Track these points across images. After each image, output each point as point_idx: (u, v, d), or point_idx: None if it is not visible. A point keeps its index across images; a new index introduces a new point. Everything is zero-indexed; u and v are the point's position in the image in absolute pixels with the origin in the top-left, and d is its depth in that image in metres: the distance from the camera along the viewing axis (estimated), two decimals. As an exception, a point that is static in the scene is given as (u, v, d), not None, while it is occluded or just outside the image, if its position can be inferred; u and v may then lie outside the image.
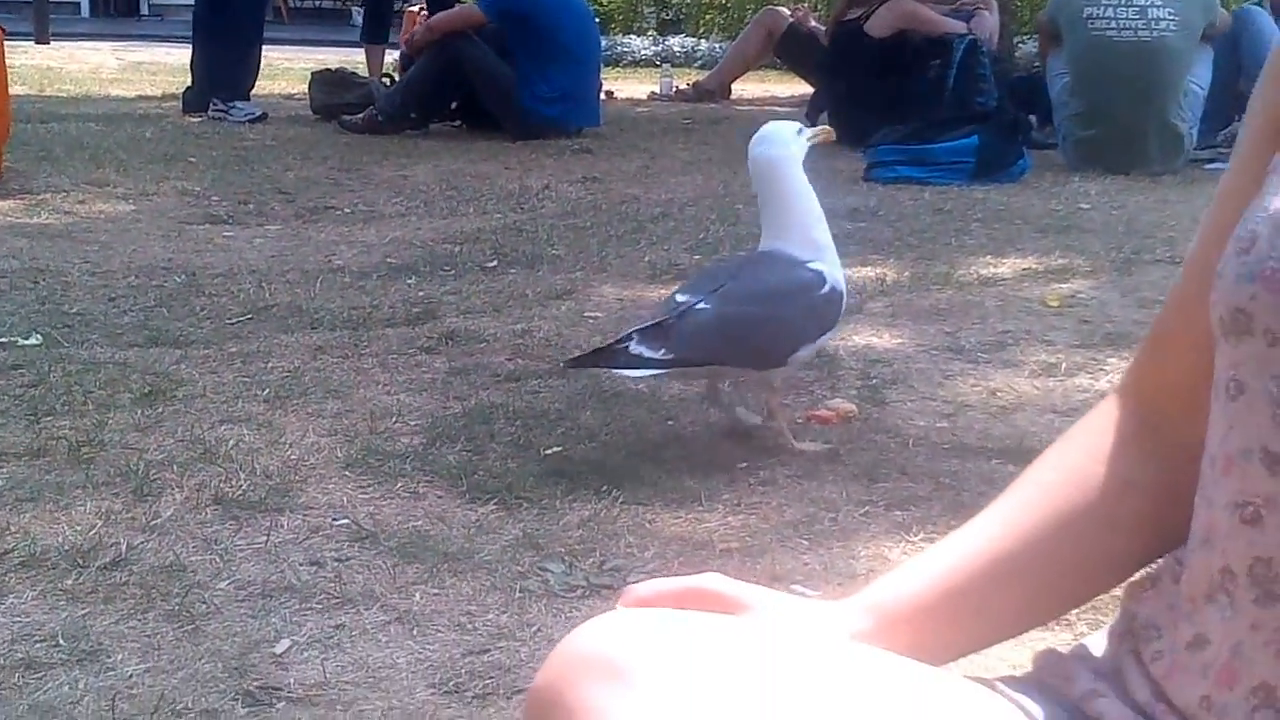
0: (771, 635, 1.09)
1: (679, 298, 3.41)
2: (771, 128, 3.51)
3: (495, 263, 5.37)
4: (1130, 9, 7.83)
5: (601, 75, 9.94)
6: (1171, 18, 7.77)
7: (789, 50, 11.55)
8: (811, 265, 3.42)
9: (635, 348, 3.27)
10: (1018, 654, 1.57)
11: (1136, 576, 1.22)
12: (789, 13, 11.75)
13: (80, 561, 2.77)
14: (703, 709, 0.98)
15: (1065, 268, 5.26)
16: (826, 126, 3.65)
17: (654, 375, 3.39)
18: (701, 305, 3.32)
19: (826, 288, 3.41)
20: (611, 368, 3.43)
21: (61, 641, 2.47)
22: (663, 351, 3.26)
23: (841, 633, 1.21)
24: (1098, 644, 1.21)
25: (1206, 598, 1.06)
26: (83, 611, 2.59)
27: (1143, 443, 1.21)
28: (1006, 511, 1.23)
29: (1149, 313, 4.41)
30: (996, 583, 1.20)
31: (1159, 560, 1.20)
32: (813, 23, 11.55)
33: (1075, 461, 1.23)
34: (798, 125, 3.56)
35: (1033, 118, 8.86)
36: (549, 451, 3.42)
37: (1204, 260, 1.16)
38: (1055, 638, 2.43)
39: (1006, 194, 6.98)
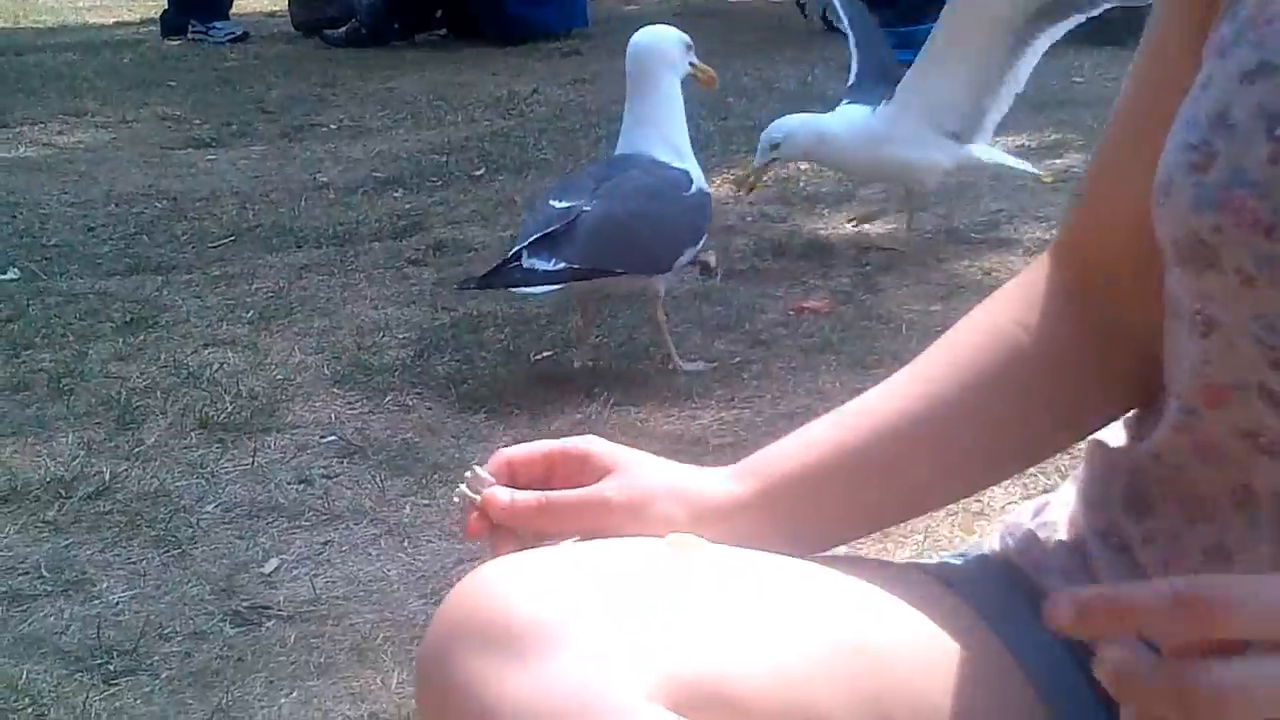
0: (666, 567, 1.02)
1: (557, 204, 3.28)
2: (662, 31, 3.44)
3: (483, 171, 5.35)
4: None
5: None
6: None
7: None
8: (677, 165, 3.37)
9: (528, 261, 3.17)
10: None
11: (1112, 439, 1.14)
12: None
13: (63, 492, 2.78)
14: (593, 681, 0.91)
15: (1059, 143, 5.24)
16: (708, 69, 3.55)
17: (551, 290, 3.30)
18: (587, 209, 3.22)
19: (695, 187, 3.37)
20: (507, 286, 3.33)
21: (45, 573, 2.50)
22: (555, 261, 3.17)
23: (720, 503, 1.12)
24: (1061, 509, 1.15)
25: (1235, 505, 1.00)
26: (66, 542, 2.61)
27: (1074, 308, 1.13)
28: (917, 367, 1.14)
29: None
30: (894, 445, 1.11)
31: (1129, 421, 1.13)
32: None
33: (998, 320, 1.14)
34: (688, 40, 3.49)
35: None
36: (539, 357, 3.43)
37: (1123, 135, 1.11)
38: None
39: (1003, 71, 6.91)
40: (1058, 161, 4.95)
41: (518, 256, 3.18)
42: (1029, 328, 1.13)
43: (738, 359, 3.36)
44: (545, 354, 3.44)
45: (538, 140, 5.82)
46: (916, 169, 3.96)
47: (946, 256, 4.02)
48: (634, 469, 1.14)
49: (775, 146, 3.83)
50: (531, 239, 3.19)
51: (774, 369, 3.29)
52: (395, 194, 5.09)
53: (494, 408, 3.13)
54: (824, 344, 3.41)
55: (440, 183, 5.22)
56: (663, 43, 3.41)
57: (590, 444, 1.15)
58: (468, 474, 1.13)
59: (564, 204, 3.26)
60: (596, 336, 3.52)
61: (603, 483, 1.12)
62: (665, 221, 3.33)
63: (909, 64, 7.05)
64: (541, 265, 3.17)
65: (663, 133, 3.39)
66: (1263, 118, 0.89)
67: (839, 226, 4.32)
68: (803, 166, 4.98)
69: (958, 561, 1.19)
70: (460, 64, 8.17)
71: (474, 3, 8.84)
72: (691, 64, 3.46)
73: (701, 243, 3.45)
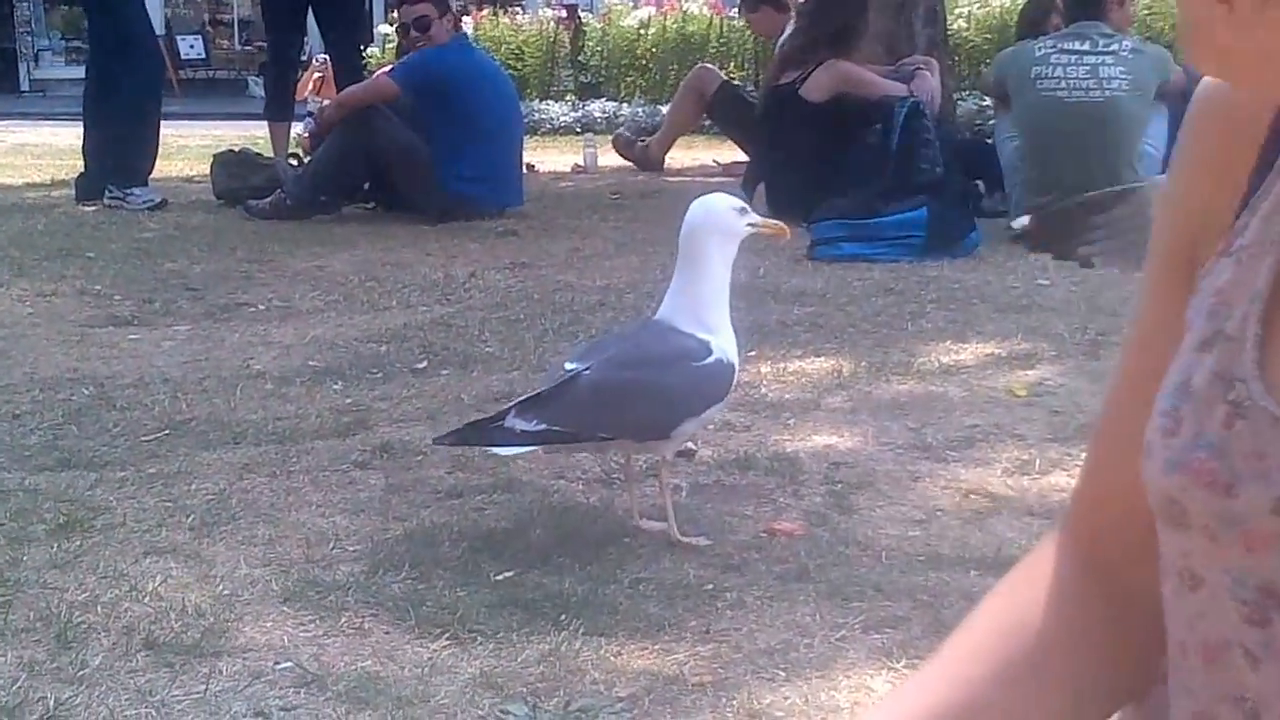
0: None
1: (567, 365, 3.47)
2: (714, 201, 3.57)
3: (425, 363, 5.37)
4: (1081, 68, 7.95)
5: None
6: (1124, 76, 7.90)
7: (723, 113, 11.67)
8: (698, 335, 3.49)
9: (511, 420, 3.33)
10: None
11: None
12: (720, 72, 11.91)
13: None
14: None
15: (1030, 353, 5.32)
16: (779, 223, 3.71)
17: (529, 450, 3.43)
18: (584, 374, 3.38)
19: (712, 358, 3.47)
20: (483, 444, 3.47)
21: (-7, 816, 2.45)
22: (537, 423, 3.33)
23: None
24: None
25: None
26: (14, 780, 2.56)
27: (1083, 587, 1.20)
28: (946, 664, 1.20)
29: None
30: None
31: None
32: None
33: (1015, 609, 1.20)
34: (742, 204, 3.61)
35: (979, 183, 8.96)
36: (500, 577, 3.42)
37: (1125, 399, 1.17)
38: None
39: (960, 270, 7.05)
40: (1029, 374, 5.03)
41: (503, 415, 3.35)
42: (1047, 612, 1.18)
43: (709, 585, 3.36)
44: (506, 574, 3.43)
45: (480, 331, 5.86)
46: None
47: (921, 475, 4.06)
48: None
49: None
50: (521, 399, 3.39)
51: (748, 598, 3.29)
52: (335, 386, 5.09)
53: (456, 634, 3.11)
54: (799, 571, 3.42)
55: (380, 375, 5.23)
56: (712, 214, 3.54)
57: None
58: None
59: (572, 365, 3.45)
60: (559, 557, 3.52)
61: None
62: (663, 389, 3.45)
63: (862, 257, 7.23)
64: (522, 425, 3.33)
65: (697, 302, 3.51)
66: (1218, 382, 0.99)
67: (806, 438, 4.36)
68: (764, 370, 5.04)
69: None
70: (392, 242, 8.23)
71: (405, 179, 8.91)
72: (750, 225, 3.57)
73: (712, 412, 3.54)
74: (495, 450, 3.50)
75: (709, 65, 12.75)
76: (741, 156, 11.04)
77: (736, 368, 3.57)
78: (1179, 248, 1.11)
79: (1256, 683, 1.00)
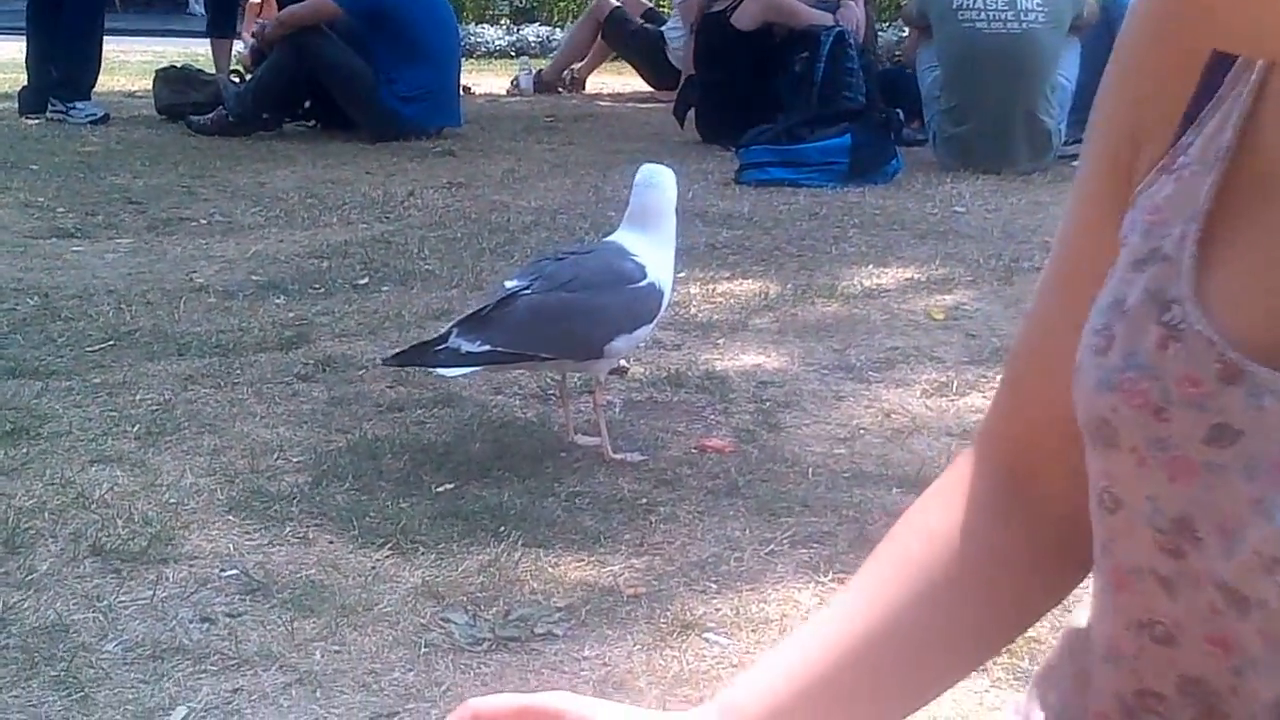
0: None
1: (506, 284, 3.51)
2: (657, 175, 3.61)
3: (366, 279, 5.32)
4: (1000, 0, 7.92)
5: (459, 69, 9.88)
6: (1040, 9, 7.87)
7: (616, 39, 11.90)
8: (636, 259, 3.51)
9: (454, 340, 3.37)
10: None
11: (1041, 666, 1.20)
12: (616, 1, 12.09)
13: (-45, 625, 2.70)
14: None
15: (946, 277, 5.33)
16: None
17: (472, 372, 3.51)
18: (526, 291, 3.42)
19: (645, 281, 3.49)
20: (429, 366, 3.55)
21: (-58, 717, 2.42)
22: (479, 343, 3.36)
23: None
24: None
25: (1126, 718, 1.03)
26: (-38, 682, 2.53)
27: (1001, 503, 1.17)
28: (867, 586, 1.16)
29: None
30: (861, 668, 1.12)
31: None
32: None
33: (934, 525, 1.17)
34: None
35: (899, 112, 8.95)
36: (440, 489, 3.40)
37: (1049, 313, 1.14)
38: (972, 684, 2.47)
39: (881, 196, 7.05)
40: (946, 298, 5.03)
41: (446, 336, 3.39)
42: (965, 530, 1.15)
43: (643, 500, 3.35)
44: (447, 486, 3.41)
45: (419, 249, 5.80)
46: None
47: (845, 395, 4.06)
48: None
49: None
50: (462, 318, 3.43)
51: (681, 512, 3.29)
52: (277, 300, 5.04)
53: (398, 544, 3.09)
54: (730, 487, 3.42)
55: (322, 290, 5.18)
56: (664, 188, 3.59)
57: (564, 702, 1.08)
58: None
59: (512, 284, 3.48)
60: (498, 470, 3.50)
61: None
62: (598, 309, 3.46)
63: (787, 182, 7.22)
64: (466, 346, 3.37)
65: (642, 236, 3.56)
66: (1152, 303, 0.95)
67: (735, 358, 4.35)
68: (693, 291, 5.03)
69: None
70: (332, 159, 8.15)
71: (346, 98, 8.82)
72: None
73: (642, 332, 3.55)
74: (441, 372, 3.52)
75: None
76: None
77: (667, 294, 3.58)
78: (1114, 161, 1.06)
79: (1171, 609, 0.97)
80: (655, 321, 3.58)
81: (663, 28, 11.97)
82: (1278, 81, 0.97)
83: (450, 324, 3.44)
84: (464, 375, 3.60)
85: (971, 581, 1.14)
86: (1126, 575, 1.00)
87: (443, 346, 3.37)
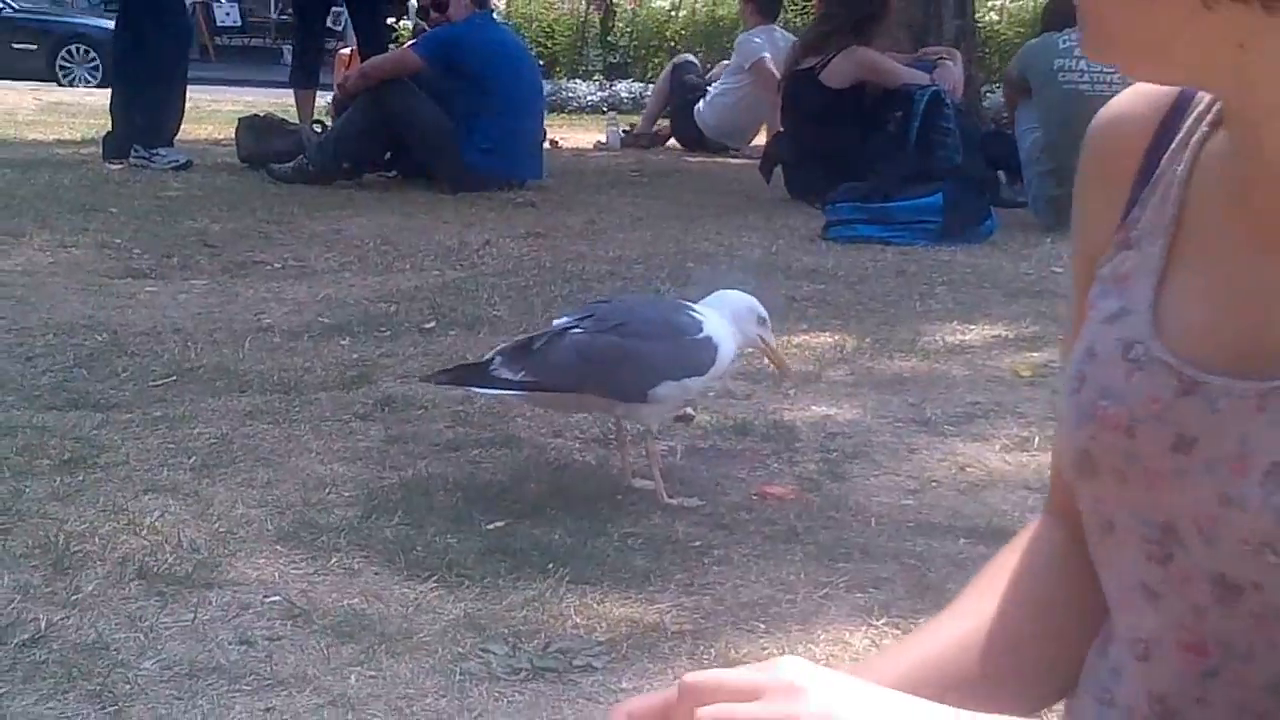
0: None
1: (556, 322, 3.64)
2: (744, 301, 3.72)
3: (434, 323, 5.42)
4: (1103, 62, 7.93)
5: (546, 123, 10.02)
6: (1143, 72, 7.87)
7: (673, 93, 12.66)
8: (694, 314, 3.61)
9: (496, 368, 3.49)
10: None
11: None
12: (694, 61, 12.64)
13: (-2, 637, 2.79)
14: None
15: (1037, 335, 5.35)
16: (784, 360, 4.03)
17: (510, 396, 3.66)
18: (572, 332, 3.53)
19: (701, 335, 3.57)
20: (468, 385, 3.73)
21: (-23, 725, 2.50)
22: (522, 374, 3.48)
23: None
24: None
25: None
26: (1, 691, 2.61)
27: (1068, 555, 1.25)
28: (946, 624, 1.26)
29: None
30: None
31: None
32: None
33: (1007, 581, 1.26)
34: (765, 315, 3.74)
35: (1001, 174, 8.98)
36: (491, 526, 3.46)
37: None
38: None
39: (974, 256, 7.08)
40: (1035, 355, 5.05)
41: (490, 361, 3.52)
42: (1038, 581, 1.26)
43: (698, 542, 3.40)
44: (497, 523, 3.48)
45: (490, 295, 5.90)
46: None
47: (918, 448, 4.09)
48: None
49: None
50: (505, 347, 3.60)
51: (735, 555, 3.33)
52: (342, 342, 5.14)
53: (444, 578, 3.15)
54: (789, 533, 3.46)
55: (388, 333, 5.28)
56: (739, 313, 3.69)
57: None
58: None
59: (563, 321, 3.61)
60: (551, 510, 3.56)
61: None
62: (645, 354, 3.55)
63: (876, 240, 7.27)
64: (507, 374, 3.49)
65: (715, 309, 3.66)
66: (1120, 347, 1.11)
67: (805, 408, 4.40)
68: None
69: None
70: (410, 209, 8.28)
71: (426, 149, 8.96)
72: (763, 340, 3.76)
73: (694, 383, 3.61)
74: (476, 391, 3.67)
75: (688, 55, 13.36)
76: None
77: (723, 353, 3.62)
78: (1088, 252, 1.21)
79: (1151, 623, 1.08)
80: (710, 375, 3.62)
81: (709, 86, 12.30)
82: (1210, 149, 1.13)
83: (494, 350, 3.56)
84: (495, 396, 3.75)
85: (1044, 626, 1.24)
86: (1125, 594, 1.12)
87: (487, 368, 3.50)
